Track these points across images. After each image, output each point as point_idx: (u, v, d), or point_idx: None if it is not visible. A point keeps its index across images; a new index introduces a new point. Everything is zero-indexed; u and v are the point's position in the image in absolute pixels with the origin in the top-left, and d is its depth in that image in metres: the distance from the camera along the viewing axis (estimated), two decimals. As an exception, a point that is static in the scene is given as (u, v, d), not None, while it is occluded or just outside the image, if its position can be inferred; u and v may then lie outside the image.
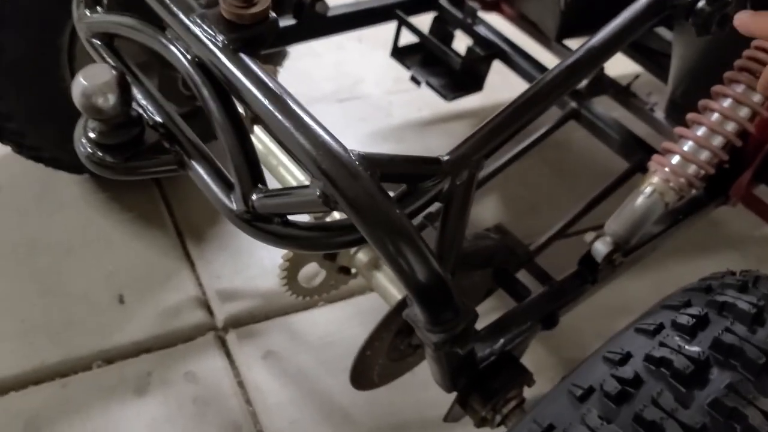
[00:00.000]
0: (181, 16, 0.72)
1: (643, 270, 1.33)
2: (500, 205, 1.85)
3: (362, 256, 1.06)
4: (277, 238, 0.68)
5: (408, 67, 1.51)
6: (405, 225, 0.61)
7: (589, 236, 1.02)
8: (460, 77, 1.49)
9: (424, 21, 1.59)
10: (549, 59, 1.58)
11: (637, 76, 1.58)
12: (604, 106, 1.53)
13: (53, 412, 1.22)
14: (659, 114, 1.53)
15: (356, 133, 1.90)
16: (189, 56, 0.72)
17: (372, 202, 0.60)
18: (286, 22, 1.33)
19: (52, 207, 1.54)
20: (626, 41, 0.78)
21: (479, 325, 0.79)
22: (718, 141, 0.94)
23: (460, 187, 0.68)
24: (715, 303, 0.72)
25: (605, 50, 0.77)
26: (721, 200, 1.29)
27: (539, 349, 1.42)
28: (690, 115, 0.98)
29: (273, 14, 0.71)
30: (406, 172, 0.65)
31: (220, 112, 0.70)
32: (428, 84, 1.48)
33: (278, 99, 0.65)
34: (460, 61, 1.40)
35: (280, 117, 0.64)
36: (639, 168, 1.30)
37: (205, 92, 0.71)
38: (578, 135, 1.62)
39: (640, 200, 0.96)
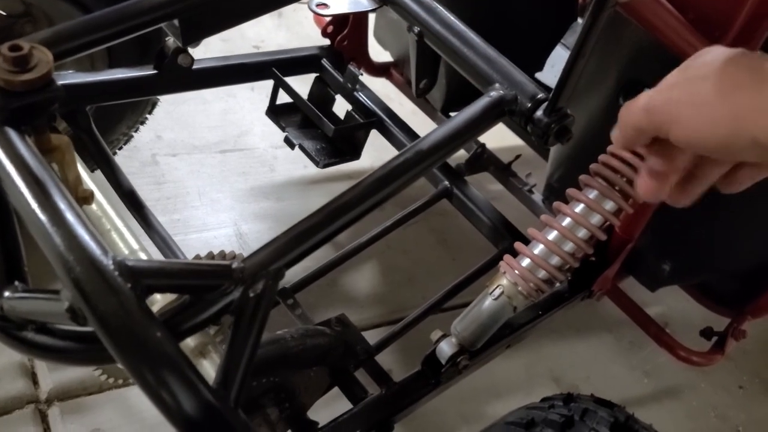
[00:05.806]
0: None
1: (514, 349, 1.26)
2: (377, 275, 1.78)
3: (189, 341, 0.95)
4: (26, 348, 0.57)
5: (283, 128, 1.43)
6: (168, 351, 0.52)
7: (435, 334, 0.95)
8: (337, 143, 1.42)
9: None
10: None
11: (518, 156, 1.56)
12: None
13: None
14: (537, 196, 1.51)
15: (233, 188, 1.80)
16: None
17: (127, 323, 0.51)
18: (147, 71, 1.22)
19: None
20: (466, 139, 0.73)
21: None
22: (571, 245, 0.89)
23: (254, 300, 0.59)
24: None
25: (443, 148, 0.71)
26: (585, 294, 1.25)
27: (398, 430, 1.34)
28: (547, 217, 0.92)
29: (58, 83, 0.62)
30: (184, 282, 0.56)
31: (-23, 190, 0.59)
32: (301, 148, 1.40)
33: (37, 186, 0.55)
34: (333, 128, 1.32)
35: (35, 208, 0.54)
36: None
37: (-36, 166, 0.60)
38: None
39: (487, 302, 0.90)
